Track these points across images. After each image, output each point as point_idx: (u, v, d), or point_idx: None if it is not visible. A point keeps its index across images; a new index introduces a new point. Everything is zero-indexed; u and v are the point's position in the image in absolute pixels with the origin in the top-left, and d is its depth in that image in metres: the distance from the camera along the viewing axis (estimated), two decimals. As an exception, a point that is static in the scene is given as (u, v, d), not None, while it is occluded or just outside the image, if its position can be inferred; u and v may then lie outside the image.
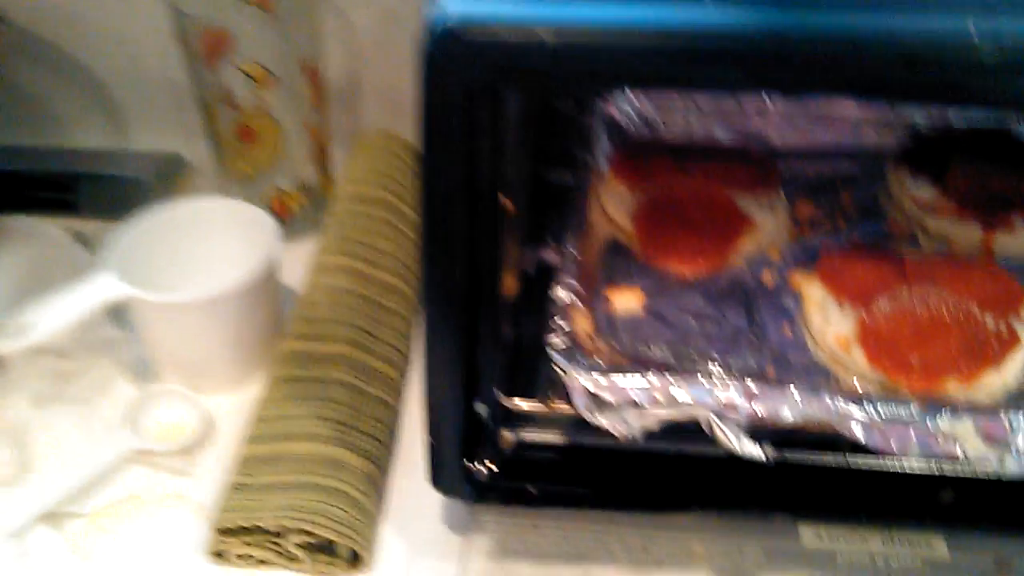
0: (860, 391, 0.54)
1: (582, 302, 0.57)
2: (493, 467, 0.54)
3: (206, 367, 0.66)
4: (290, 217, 0.79)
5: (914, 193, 0.66)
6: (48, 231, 0.76)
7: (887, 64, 0.40)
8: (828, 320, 0.57)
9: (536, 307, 0.59)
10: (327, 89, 0.79)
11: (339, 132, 0.83)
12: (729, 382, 0.50)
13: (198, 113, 0.75)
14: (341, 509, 0.55)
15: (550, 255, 0.63)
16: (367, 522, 0.56)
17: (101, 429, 0.64)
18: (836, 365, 0.56)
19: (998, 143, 0.70)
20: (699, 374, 0.50)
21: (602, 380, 0.50)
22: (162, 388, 0.66)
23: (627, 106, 0.75)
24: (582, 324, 0.56)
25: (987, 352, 0.54)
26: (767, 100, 0.74)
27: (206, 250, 0.68)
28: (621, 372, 0.50)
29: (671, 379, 0.50)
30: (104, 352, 0.67)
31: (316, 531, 0.53)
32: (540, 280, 0.62)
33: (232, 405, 0.66)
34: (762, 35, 0.40)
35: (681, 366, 0.55)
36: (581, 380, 0.50)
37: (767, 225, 0.65)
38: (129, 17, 0.82)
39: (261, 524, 0.54)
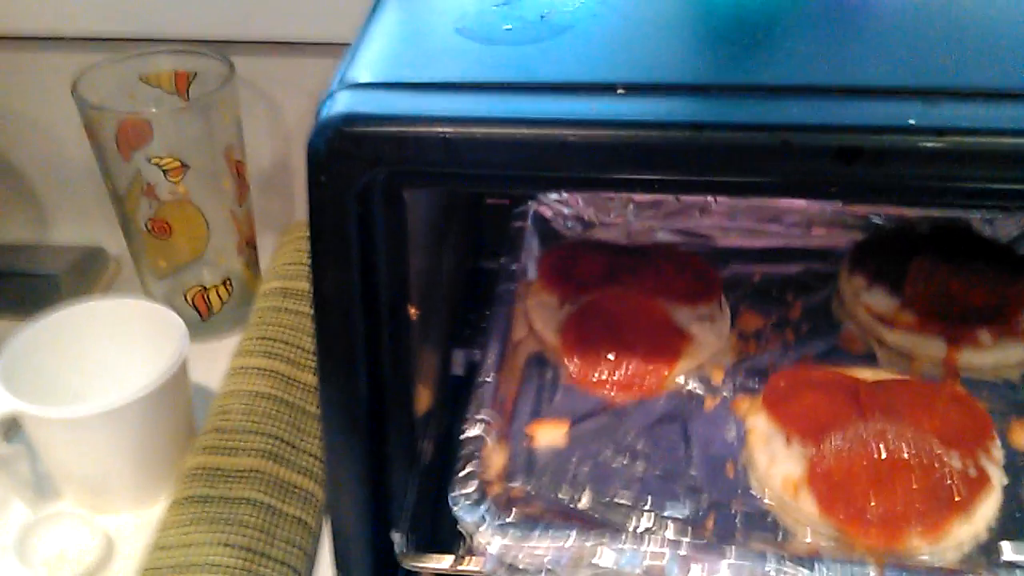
0: (812, 547, 0.47)
1: (498, 437, 0.51)
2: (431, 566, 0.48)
3: (107, 485, 0.60)
4: (213, 313, 0.74)
5: (869, 302, 0.60)
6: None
7: (821, 157, 0.36)
8: (774, 459, 0.51)
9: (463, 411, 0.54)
10: (252, 179, 0.74)
11: (266, 223, 0.79)
12: (661, 536, 0.45)
13: (112, 206, 0.71)
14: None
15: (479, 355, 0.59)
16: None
17: (-12, 558, 0.58)
18: (785, 514, 0.49)
19: (959, 241, 0.64)
20: (626, 532, 0.45)
21: (513, 541, 0.45)
22: (57, 510, 0.60)
23: (560, 204, 0.70)
24: (496, 464, 0.50)
25: (954, 498, 0.47)
26: (709, 196, 0.69)
27: (109, 356, 0.62)
28: (536, 530, 0.45)
29: (593, 539, 0.44)
30: (-5, 470, 0.61)
31: None
32: (470, 380, 0.57)
33: (137, 526, 0.60)
34: (682, 130, 0.37)
35: (607, 517, 0.49)
36: (490, 541, 0.45)
37: (708, 341, 0.59)
38: (48, 105, 0.78)
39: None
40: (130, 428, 0.57)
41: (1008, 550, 0.47)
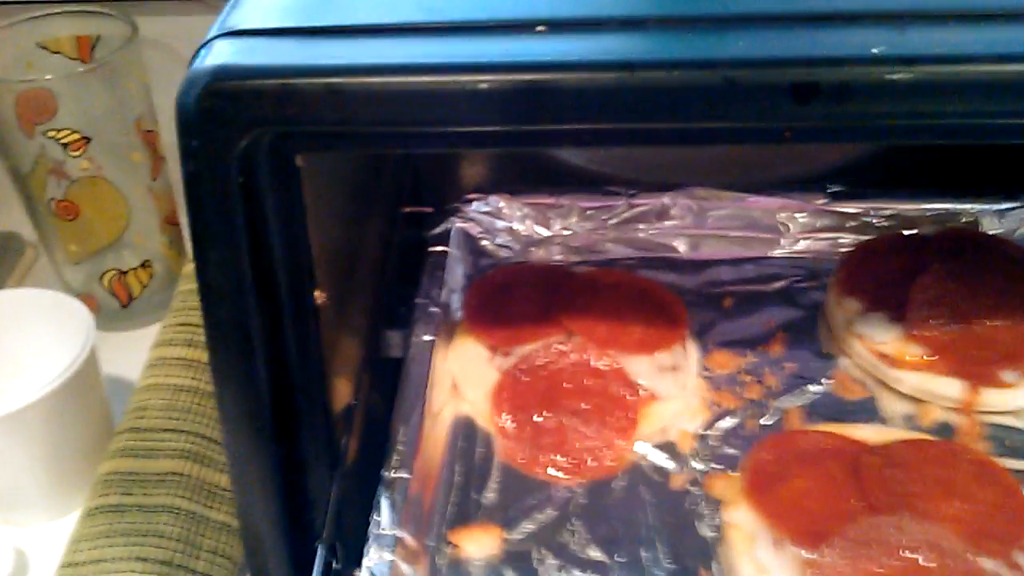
0: None
1: (412, 553, 0.42)
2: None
3: (16, 494, 0.55)
4: (133, 299, 0.68)
5: (866, 334, 0.50)
6: None
7: (772, 96, 0.31)
8: (761, 567, 0.41)
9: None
10: (169, 150, 0.68)
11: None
12: None
13: (18, 187, 0.65)
14: None
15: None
16: None
17: None
18: None
19: (969, 247, 0.53)
20: None
21: None
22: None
23: (489, 216, 0.60)
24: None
25: None
26: (667, 199, 0.59)
27: (12, 350, 0.57)
28: None
29: None
30: None
31: None
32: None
33: (52, 538, 0.54)
34: (612, 71, 0.31)
35: None
36: None
37: (671, 398, 0.49)
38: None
39: None
40: (35, 431, 0.52)
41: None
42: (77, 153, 0.61)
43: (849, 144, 0.61)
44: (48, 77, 0.61)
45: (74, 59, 0.65)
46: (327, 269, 0.39)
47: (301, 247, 0.36)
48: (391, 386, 0.50)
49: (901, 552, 0.40)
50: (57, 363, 0.52)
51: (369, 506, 0.43)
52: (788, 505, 0.42)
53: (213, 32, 0.35)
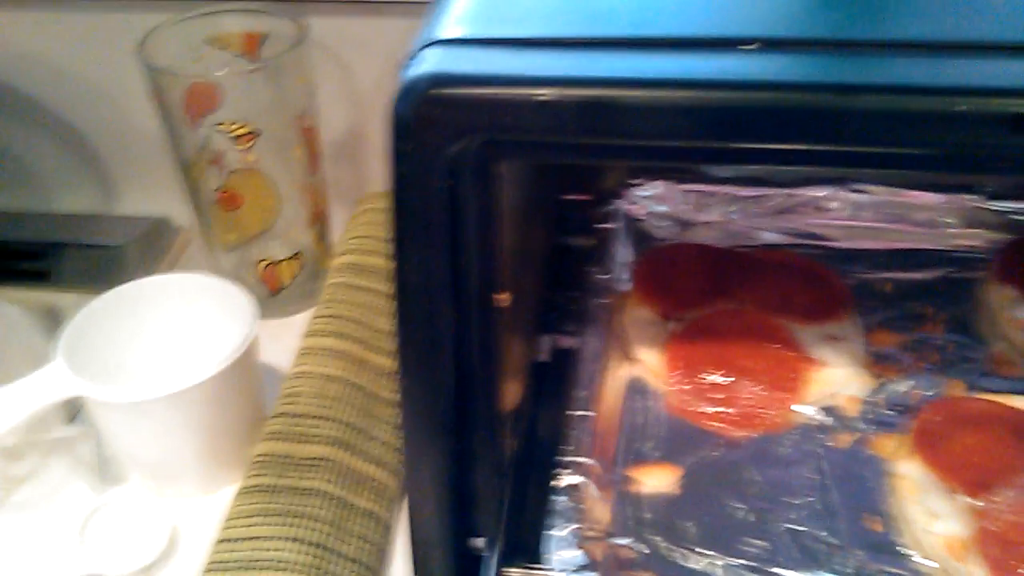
0: None
1: (599, 484, 0.45)
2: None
3: (173, 469, 0.57)
4: (282, 289, 0.70)
5: (1022, 319, 0.52)
6: (3, 309, 0.68)
7: (993, 125, 0.31)
8: (935, 514, 0.43)
9: (552, 401, 0.49)
10: (324, 147, 0.71)
11: (339, 194, 0.75)
12: None
13: (179, 175, 0.68)
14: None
15: (568, 341, 0.54)
16: (345, 672, 0.47)
17: (54, 544, 0.55)
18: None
19: None
20: None
21: None
22: (122, 494, 0.57)
23: (654, 202, 0.63)
24: (598, 518, 0.44)
25: None
26: (826, 191, 0.61)
27: (175, 333, 0.59)
28: None
29: None
30: (58, 452, 0.59)
31: None
32: (559, 367, 0.53)
33: (204, 512, 0.57)
34: (830, 93, 0.31)
35: None
36: None
37: (839, 366, 0.51)
38: (115, 71, 0.75)
39: None
40: (196, 411, 0.54)
41: None
42: (245, 146, 0.64)
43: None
44: (218, 73, 0.63)
45: (241, 55, 0.68)
46: (509, 271, 0.40)
47: (493, 250, 0.37)
48: (548, 388, 0.51)
49: None
50: (221, 346, 0.54)
51: (528, 507, 0.44)
52: (957, 459, 0.44)
53: (421, 41, 0.35)
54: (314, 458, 0.54)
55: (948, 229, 0.60)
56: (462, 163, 0.34)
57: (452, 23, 0.36)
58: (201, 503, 0.58)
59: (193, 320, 0.59)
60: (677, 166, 0.61)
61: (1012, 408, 0.47)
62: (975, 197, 0.60)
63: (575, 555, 0.41)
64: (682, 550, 0.44)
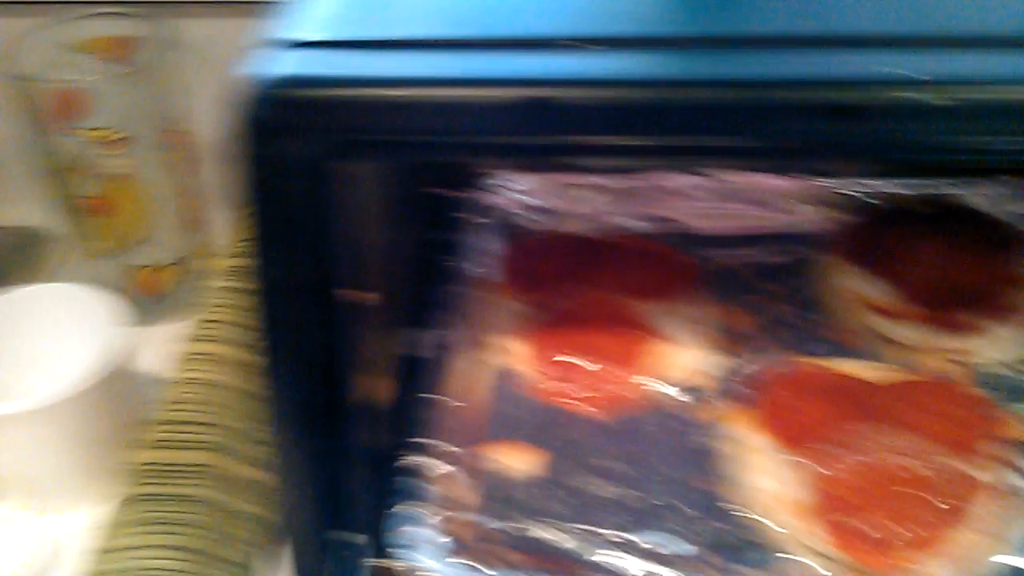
0: (812, 572, 0.42)
1: (454, 464, 0.46)
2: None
3: (51, 484, 0.56)
4: (164, 296, 0.69)
5: (861, 292, 0.55)
6: None
7: (816, 116, 0.33)
8: (767, 475, 0.46)
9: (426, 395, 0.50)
10: (205, 151, 0.70)
11: (219, 199, 0.74)
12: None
13: (50, 184, 0.66)
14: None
15: (442, 335, 0.55)
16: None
17: (-78, 566, 0.54)
18: (782, 537, 0.44)
19: (958, 220, 0.59)
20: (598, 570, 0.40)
21: None
22: (4, 508, 0.56)
23: (522, 194, 0.64)
24: (453, 494, 0.45)
25: (967, 517, 0.42)
26: (682, 178, 0.63)
27: (48, 345, 0.58)
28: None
29: None
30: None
31: None
32: (435, 361, 0.53)
33: (87, 525, 0.56)
34: (665, 88, 0.33)
35: (585, 556, 0.43)
36: None
37: (689, 343, 0.54)
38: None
39: None
40: (71, 423, 0.53)
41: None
42: (113, 152, 0.63)
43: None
44: (86, 77, 0.62)
45: (111, 60, 0.66)
46: (376, 268, 0.41)
47: (354, 249, 0.38)
48: (423, 383, 0.51)
49: (893, 459, 0.45)
50: (93, 356, 0.54)
51: (401, 499, 0.45)
52: (792, 425, 0.47)
53: (270, 43, 0.36)
54: (196, 464, 0.54)
55: (798, 212, 0.63)
56: (317, 165, 0.34)
57: (306, 23, 0.37)
58: (83, 516, 0.57)
59: (66, 331, 0.58)
60: (532, 163, 0.62)
61: (848, 377, 0.50)
62: (823, 181, 0.63)
63: (439, 538, 0.42)
64: (545, 527, 0.45)
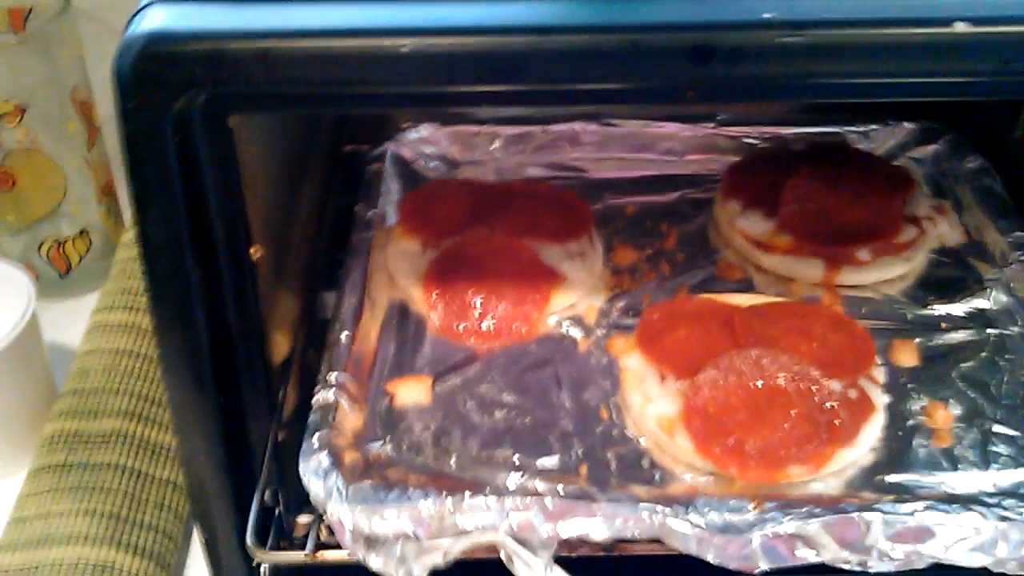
0: (690, 488, 0.45)
1: (353, 398, 0.48)
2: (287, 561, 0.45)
3: (-41, 458, 0.56)
4: (72, 268, 0.69)
5: (744, 227, 0.58)
6: None
7: (674, 59, 0.34)
8: (648, 398, 0.48)
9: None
10: (103, 120, 0.69)
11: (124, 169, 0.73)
12: (529, 489, 0.42)
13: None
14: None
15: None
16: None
17: None
18: (661, 455, 0.47)
19: (835, 158, 0.62)
20: (487, 491, 0.41)
21: (367, 511, 0.41)
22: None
23: (420, 144, 0.66)
24: (350, 428, 0.46)
25: (834, 424, 0.45)
26: (578, 126, 0.66)
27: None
28: (390, 497, 0.41)
29: (452, 503, 0.41)
30: None
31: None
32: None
33: (-2, 499, 0.56)
34: (526, 35, 0.34)
35: (477, 475, 0.45)
36: (342, 515, 0.41)
37: (579, 280, 0.56)
38: None
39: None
40: (-24, 397, 0.53)
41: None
42: (12, 124, 0.62)
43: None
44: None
45: (5, 31, 0.65)
46: (264, 226, 0.41)
47: (237, 204, 0.38)
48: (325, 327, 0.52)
49: (762, 377, 0.47)
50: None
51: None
52: (671, 349, 0.50)
53: (143, 2, 0.36)
54: (107, 432, 0.54)
55: (686, 156, 0.66)
56: (191, 118, 0.35)
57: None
58: (-6, 490, 0.56)
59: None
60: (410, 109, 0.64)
61: (725, 304, 0.53)
62: (710, 125, 0.66)
63: (334, 465, 0.43)
64: (431, 449, 0.47)
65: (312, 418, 0.45)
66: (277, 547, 0.44)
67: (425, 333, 0.54)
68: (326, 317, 0.52)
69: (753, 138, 0.66)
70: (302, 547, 0.44)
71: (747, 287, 0.56)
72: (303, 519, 0.46)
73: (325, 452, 0.43)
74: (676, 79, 0.34)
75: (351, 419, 0.47)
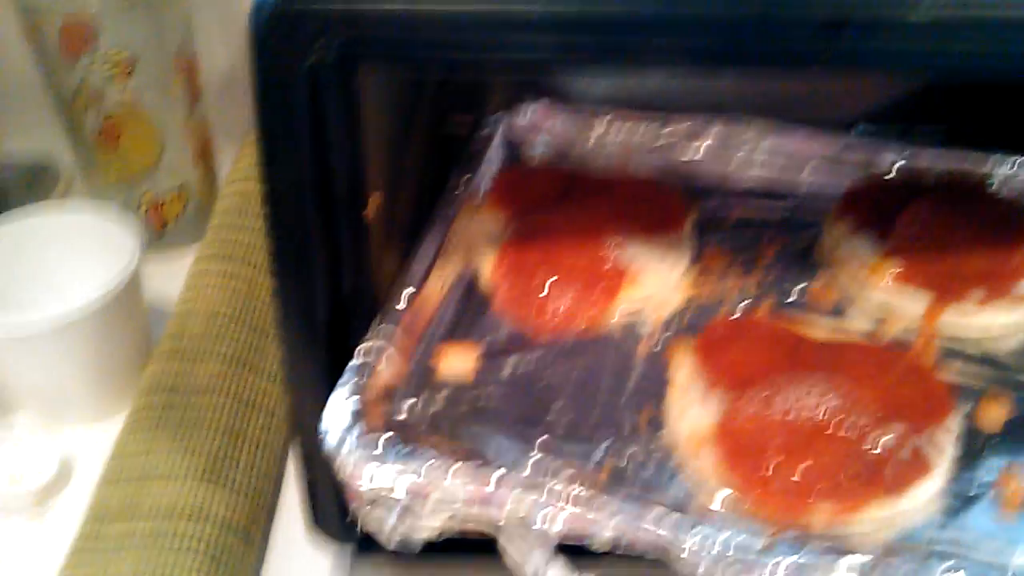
0: (708, 508, 0.42)
1: (398, 351, 0.46)
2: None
3: (62, 400, 0.58)
4: (168, 225, 0.71)
5: (852, 249, 0.54)
6: None
7: (804, 29, 0.34)
8: (688, 408, 0.46)
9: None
10: (207, 84, 0.71)
11: (225, 131, 0.75)
12: (540, 482, 0.40)
13: (58, 114, 0.67)
14: (207, 564, 0.47)
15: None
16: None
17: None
18: (690, 468, 0.44)
19: (965, 195, 0.58)
20: (496, 471, 0.40)
21: (371, 466, 0.40)
22: (12, 424, 0.58)
23: (531, 129, 0.65)
24: (385, 379, 0.45)
25: (878, 475, 0.42)
26: (699, 121, 0.63)
27: (59, 267, 0.60)
28: (400, 456, 0.40)
29: (461, 474, 0.39)
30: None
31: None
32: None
33: (95, 441, 0.58)
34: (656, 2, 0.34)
35: (496, 451, 0.44)
36: (346, 464, 0.40)
37: (656, 278, 0.54)
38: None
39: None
40: (84, 340, 0.55)
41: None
42: (122, 83, 0.64)
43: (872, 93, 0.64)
44: (93, 8, 0.63)
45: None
46: (376, 187, 0.42)
47: (358, 162, 0.39)
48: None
49: (809, 410, 0.44)
50: (105, 277, 0.55)
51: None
52: (725, 363, 0.47)
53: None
54: (206, 375, 0.56)
55: (809, 167, 0.62)
56: (321, 74, 0.36)
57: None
58: (92, 433, 0.59)
59: (76, 253, 0.60)
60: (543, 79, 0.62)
61: (795, 332, 0.50)
62: (842, 138, 0.63)
63: (364, 421, 0.42)
64: (461, 421, 0.46)
65: (352, 363, 0.44)
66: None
67: (488, 307, 0.53)
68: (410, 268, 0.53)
69: (887, 158, 0.62)
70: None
71: (836, 315, 0.53)
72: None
73: (350, 404, 0.42)
74: (805, 51, 0.35)
75: (389, 372, 0.45)
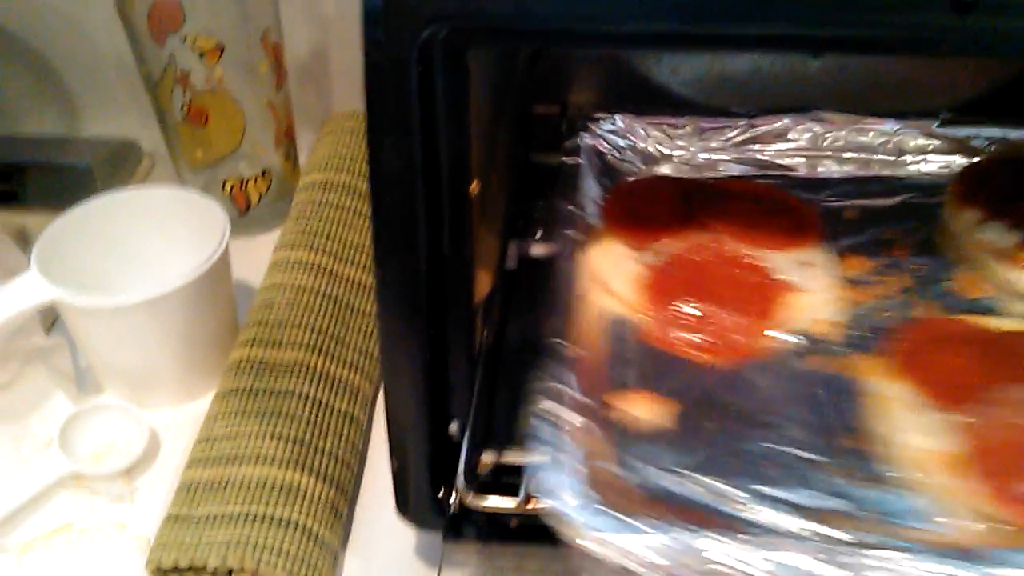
0: (966, 535, 0.39)
1: (580, 410, 0.43)
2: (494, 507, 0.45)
3: (149, 378, 0.59)
4: (251, 207, 0.71)
5: (986, 239, 0.52)
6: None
7: (933, 8, 0.33)
8: (915, 430, 0.43)
9: (521, 305, 0.51)
10: (290, 66, 0.71)
11: (305, 113, 0.75)
12: (782, 528, 0.38)
13: (148, 95, 0.68)
14: (295, 544, 0.47)
15: (536, 248, 0.56)
16: (325, 558, 0.49)
17: (31, 449, 0.57)
18: (933, 497, 0.41)
19: None
20: (740, 524, 0.38)
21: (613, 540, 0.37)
22: (100, 402, 0.58)
23: (614, 136, 0.63)
24: (581, 443, 0.42)
25: None
26: (786, 119, 0.62)
27: (148, 246, 0.60)
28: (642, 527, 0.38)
29: (703, 538, 0.37)
30: (36, 361, 0.60)
31: (265, 571, 0.46)
32: (527, 275, 0.55)
33: (180, 420, 0.59)
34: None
35: (717, 506, 0.41)
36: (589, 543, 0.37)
37: (813, 291, 0.51)
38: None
39: (200, 564, 0.46)
40: (172, 318, 0.55)
41: None
42: (210, 63, 0.64)
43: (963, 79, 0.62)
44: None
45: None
46: (476, 167, 0.41)
47: (463, 140, 0.39)
48: (517, 292, 0.52)
49: None
50: (194, 256, 0.56)
51: (500, 398, 0.46)
52: (936, 376, 0.45)
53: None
54: (290, 363, 0.56)
55: (905, 155, 0.61)
56: (432, 51, 0.35)
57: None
58: (178, 411, 0.59)
59: (165, 232, 0.60)
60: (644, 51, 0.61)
61: (982, 328, 0.48)
62: (930, 122, 0.61)
63: (583, 489, 0.40)
64: (681, 479, 0.43)
65: (547, 431, 0.42)
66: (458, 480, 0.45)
67: (643, 345, 0.50)
68: (511, 268, 0.52)
69: (981, 140, 0.61)
70: (484, 490, 0.44)
71: (989, 304, 0.52)
72: (486, 457, 0.46)
73: (569, 473, 0.40)
74: (933, 31, 0.33)
75: (580, 434, 0.43)
